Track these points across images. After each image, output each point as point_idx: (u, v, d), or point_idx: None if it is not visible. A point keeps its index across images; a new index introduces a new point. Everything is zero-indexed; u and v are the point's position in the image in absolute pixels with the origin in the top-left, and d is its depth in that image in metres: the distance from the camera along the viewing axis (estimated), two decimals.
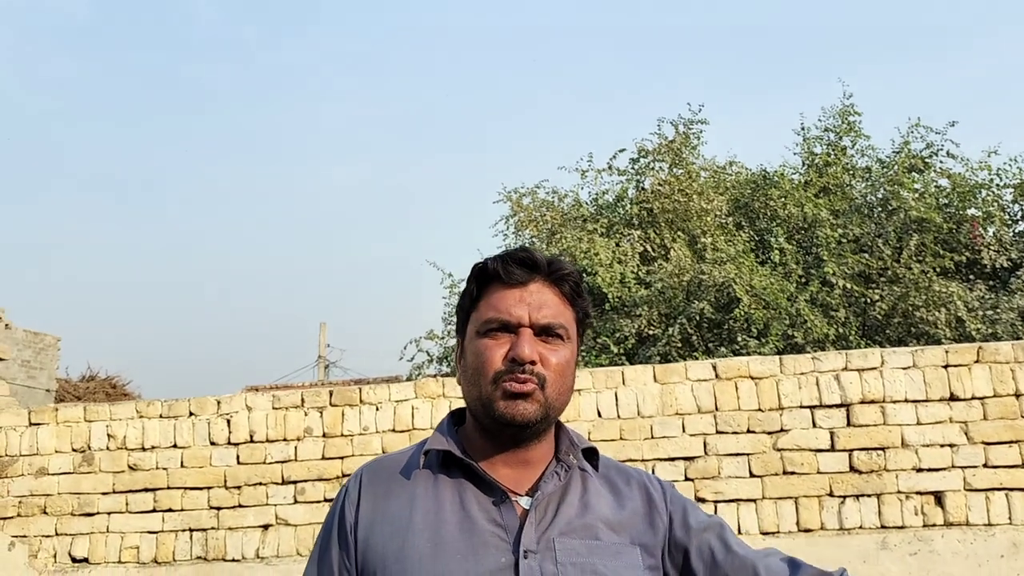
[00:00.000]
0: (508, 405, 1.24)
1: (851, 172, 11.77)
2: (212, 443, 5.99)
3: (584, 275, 10.92)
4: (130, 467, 6.05)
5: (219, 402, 6.07)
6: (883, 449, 5.33)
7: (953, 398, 5.36)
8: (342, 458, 5.85)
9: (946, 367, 5.41)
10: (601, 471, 1.36)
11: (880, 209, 10.90)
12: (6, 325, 15.02)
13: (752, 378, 5.51)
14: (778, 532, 5.32)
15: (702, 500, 5.40)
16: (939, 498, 5.26)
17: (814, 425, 5.41)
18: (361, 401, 5.93)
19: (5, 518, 6.12)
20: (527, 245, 1.43)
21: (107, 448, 6.10)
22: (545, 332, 1.28)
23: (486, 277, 1.33)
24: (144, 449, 6.05)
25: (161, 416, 6.08)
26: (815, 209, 10.65)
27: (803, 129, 12.39)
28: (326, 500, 5.80)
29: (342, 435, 5.89)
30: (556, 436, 1.36)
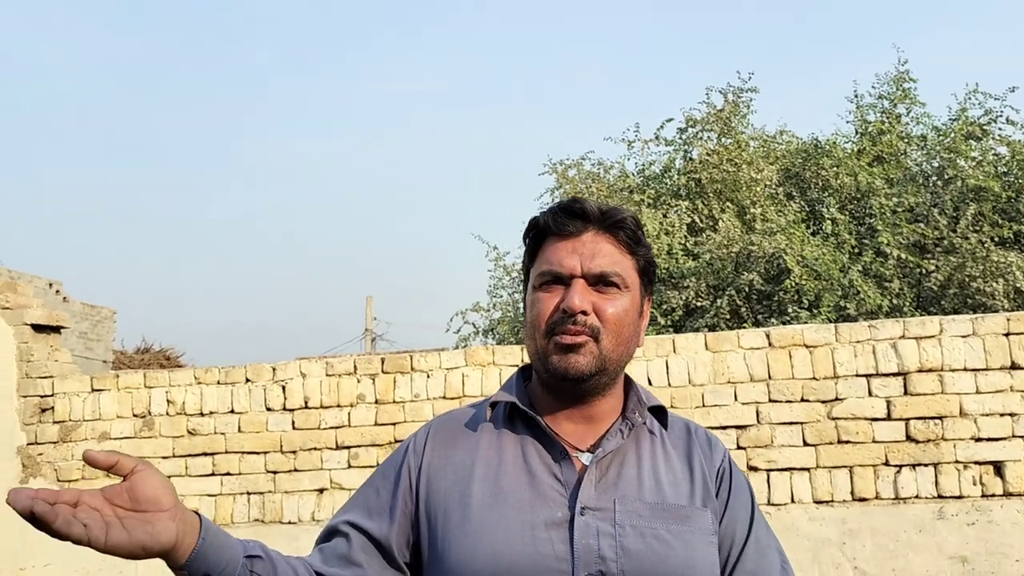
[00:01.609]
0: (561, 358, 1.22)
1: (906, 140, 11.49)
2: (268, 409, 6.11)
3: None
4: (189, 432, 6.20)
5: (274, 369, 6.18)
6: (941, 418, 5.24)
7: (1014, 367, 5.24)
8: (394, 424, 5.93)
9: (1007, 335, 5.28)
10: (670, 430, 1.33)
11: (936, 178, 10.65)
12: (64, 298, 15.42)
13: (806, 346, 5.45)
14: (832, 501, 5.28)
15: (755, 469, 5.37)
16: (998, 468, 5.17)
17: (870, 394, 5.34)
18: (412, 368, 5.99)
19: (70, 481, 6.32)
20: (579, 196, 1.37)
21: (167, 413, 6.25)
22: (600, 281, 1.25)
23: (541, 231, 1.31)
24: (202, 414, 6.20)
25: (218, 382, 6.21)
26: (869, 178, 10.44)
27: (856, 96, 12.12)
28: (379, 465, 5.88)
29: (394, 402, 5.97)
30: (626, 393, 1.33)
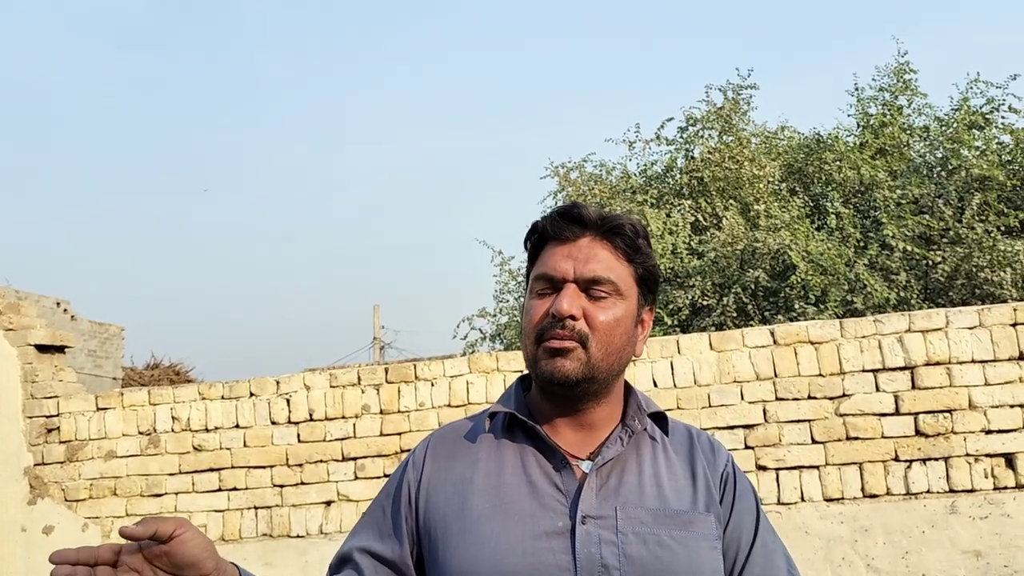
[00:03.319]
0: (549, 362, 1.21)
1: (908, 132, 11.42)
2: (273, 422, 6.09)
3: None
4: (195, 448, 6.19)
5: (278, 382, 6.17)
6: (950, 411, 5.18)
7: (1023, 357, 5.18)
8: (399, 434, 5.91)
9: (1014, 325, 5.23)
10: (672, 436, 1.31)
11: (940, 168, 10.58)
12: (72, 317, 15.45)
13: (812, 343, 5.40)
14: (843, 498, 5.23)
15: (763, 468, 5.32)
16: (1010, 460, 5.11)
17: (877, 389, 5.29)
18: (416, 377, 5.97)
19: (78, 500, 6.32)
20: (578, 200, 1.36)
21: (172, 430, 6.24)
22: (593, 287, 1.22)
23: (542, 235, 1.30)
24: (208, 430, 6.18)
25: (223, 397, 6.20)
26: (872, 171, 10.36)
27: (857, 89, 12.04)
28: (386, 475, 5.86)
29: (399, 411, 5.94)
30: (626, 400, 1.31)
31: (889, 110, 11.59)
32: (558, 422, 1.27)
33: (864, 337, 5.35)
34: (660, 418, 1.31)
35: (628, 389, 1.32)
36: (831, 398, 5.33)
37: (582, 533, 1.16)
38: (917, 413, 5.22)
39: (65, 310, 15.17)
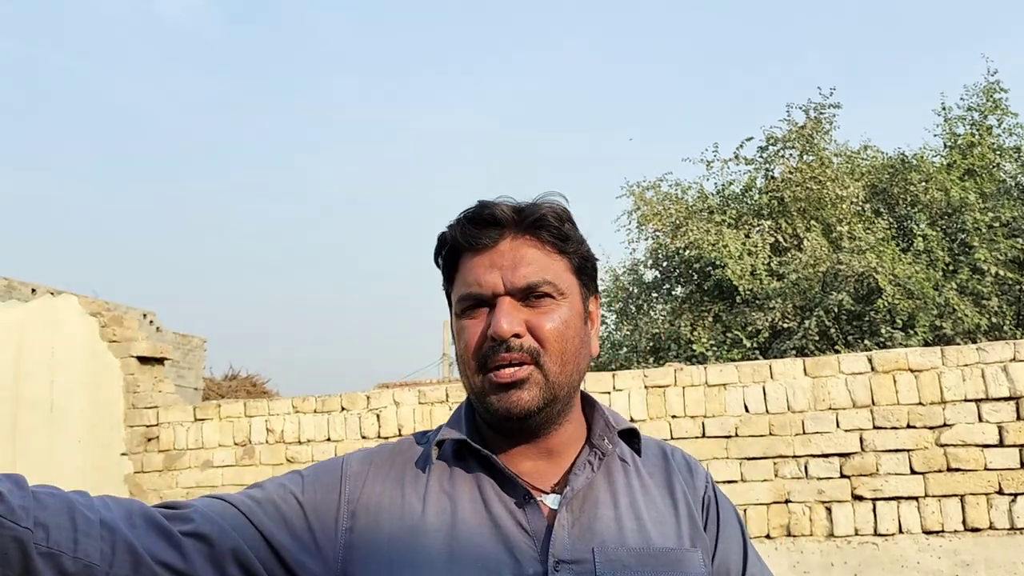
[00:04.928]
0: (501, 398, 1.03)
1: (999, 152, 11.13)
2: (363, 437, 6.21)
3: (714, 267, 10.73)
4: (288, 460, 6.34)
5: (368, 398, 6.29)
6: None
7: None
8: None
9: None
10: (645, 455, 1.14)
11: None
12: (157, 328, 15.97)
13: (911, 371, 5.29)
14: (943, 531, 5.09)
15: (860, 498, 5.23)
16: None
17: (980, 419, 5.15)
18: None
19: None
20: (486, 197, 1.12)
21: (266, 442, 6.41)
22: (529, 295, 1.05)
23: (454, 247, 1.10)
24: (300, 443, 6.34)
25: (315, 411, 6.35)
26: (961, 192, 10.12)
27: (944, 109, 11.81)
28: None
29: None
30: (589, 417, 1.13)
31: (978, 130, 11.32)
32: (513, 450, 1.08)
33: (967, 366, 5.22)
34: (631, 435, 1.14)
35: (589, 402, 1.15)
36: (931, 428, 5.21)
37: None
38: (1023, 445, 5.07)
39: (151, 322, 15.69)
